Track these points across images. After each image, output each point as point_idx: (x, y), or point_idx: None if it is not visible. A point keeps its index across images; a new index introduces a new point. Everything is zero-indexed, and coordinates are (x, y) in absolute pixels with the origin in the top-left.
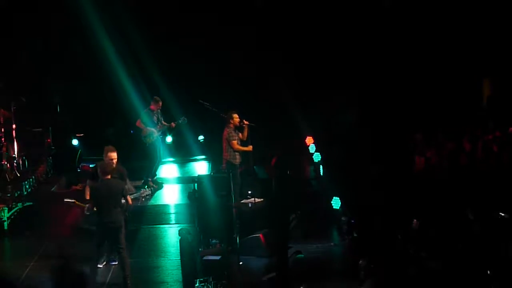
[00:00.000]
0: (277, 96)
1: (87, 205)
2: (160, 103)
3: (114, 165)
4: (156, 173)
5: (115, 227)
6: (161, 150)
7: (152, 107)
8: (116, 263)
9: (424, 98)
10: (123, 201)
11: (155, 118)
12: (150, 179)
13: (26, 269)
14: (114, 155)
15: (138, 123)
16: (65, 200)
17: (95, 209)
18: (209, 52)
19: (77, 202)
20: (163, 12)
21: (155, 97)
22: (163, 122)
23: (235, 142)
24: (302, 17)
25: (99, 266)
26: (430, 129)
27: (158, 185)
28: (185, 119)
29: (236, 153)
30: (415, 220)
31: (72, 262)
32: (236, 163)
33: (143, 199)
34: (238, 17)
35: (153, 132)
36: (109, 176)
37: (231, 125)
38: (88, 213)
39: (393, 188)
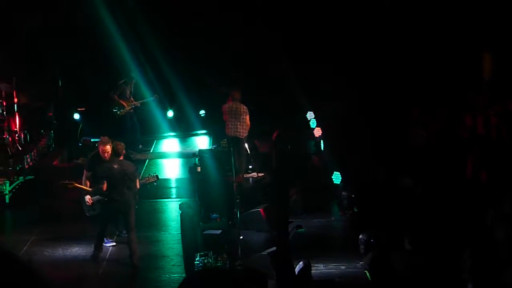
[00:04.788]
0: (278, 71)
1: (90, 188)
2: (134, 80)
3: (108, 158)
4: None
5: (126, 208)
6: (133, 124)
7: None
8: None
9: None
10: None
11: (128, 92)
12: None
13: (27, 242)
14: (107, 148)
15: (111, 94)
16: (61, 182)
17: (104, 189)
18: (210, 28)
19: (75, 184)
20: None
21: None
22: (132, 99)
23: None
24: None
25: (112, 244)
26: (429, 103)
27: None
28: (157, 96)
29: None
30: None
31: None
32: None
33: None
34: None
35: (124, 105)
36: (121, 157)
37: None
38: (93, 201)
39: (393, 162)
